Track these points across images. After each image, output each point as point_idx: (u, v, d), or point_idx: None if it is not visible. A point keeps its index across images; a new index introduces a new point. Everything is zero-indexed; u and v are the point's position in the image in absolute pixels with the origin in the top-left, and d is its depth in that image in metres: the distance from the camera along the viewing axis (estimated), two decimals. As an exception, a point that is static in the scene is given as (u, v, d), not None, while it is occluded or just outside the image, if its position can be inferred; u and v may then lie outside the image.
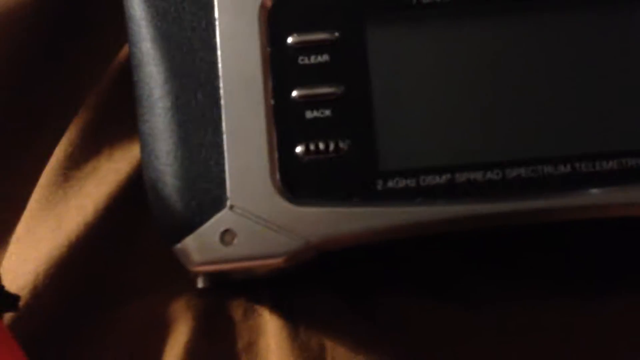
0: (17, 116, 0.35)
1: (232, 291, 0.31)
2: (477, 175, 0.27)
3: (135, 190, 0.32)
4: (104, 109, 0.34)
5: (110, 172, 0.33)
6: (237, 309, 0.31)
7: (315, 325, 0.30)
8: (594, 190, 0.27)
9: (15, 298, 0.28)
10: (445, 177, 0.27)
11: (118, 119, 0.34)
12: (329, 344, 0.30)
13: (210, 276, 0.28)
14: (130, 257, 0.32)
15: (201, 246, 0.27)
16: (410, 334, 0.30)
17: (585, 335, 0.30)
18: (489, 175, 0.27)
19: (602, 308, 0.30)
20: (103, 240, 0.32)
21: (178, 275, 0.30)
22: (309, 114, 0.28)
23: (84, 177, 0.33)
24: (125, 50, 0.34)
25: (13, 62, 0.35)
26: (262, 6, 0.28)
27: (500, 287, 0.31)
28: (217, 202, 0.27)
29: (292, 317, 0.30)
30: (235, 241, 0.27)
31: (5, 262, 0.32)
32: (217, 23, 0.28)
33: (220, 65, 0.28)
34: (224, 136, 0.27)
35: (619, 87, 0.28)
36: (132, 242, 0.33)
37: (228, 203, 0.27)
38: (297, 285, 0.31)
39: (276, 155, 0.27)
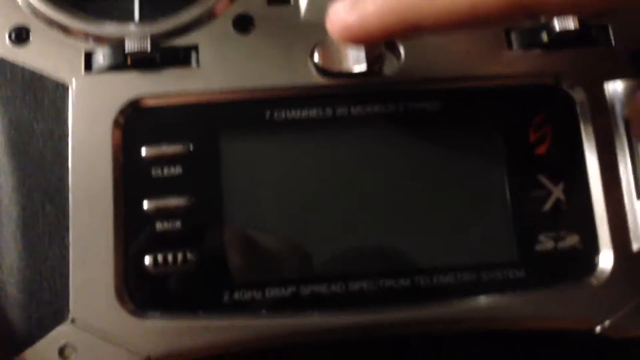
0: None
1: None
2: (322, 288, 0.28)
3: None
4: None
5: None
6: None
7: None
8: (433, 304, 0.28)
9: None
10: (290, 290, 0.28)
11: None
12: None
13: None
14: None
15: (38, 360, 0.27)
16: None
17: None
18: (333, 288, 0.28)
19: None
20: None
21: None
22: (159, 226, 0.28)
23: None
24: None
25: None
26: (116, 120, 0.29)
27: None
28: (58, 315, 0.27)
29: None
30: (74, 355, 0.27)
31: None
32: (70, 135, 0.28)
33: (70, 176, 0.28)
34: (70, 248, 0.27)
35: (457, 204, 0.29)
36: None
37: (70, 316, 0.27)
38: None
39: (122, 267, 0.27)
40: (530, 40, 0.31)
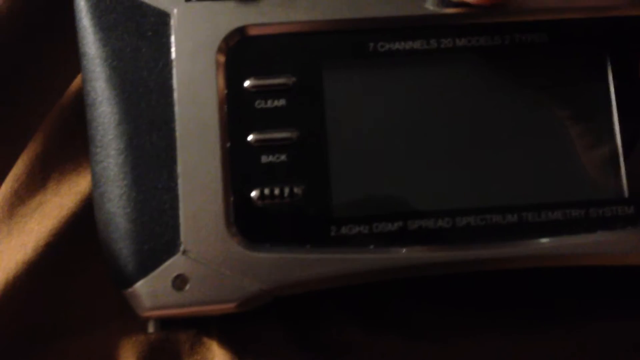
0: None
1: (180, 324, 0.31)
2: (429, 223, 0.28)
3: (78, 225, 0.31)
4: (52, 142, 0.34)
5: (55, 207, 0.33)
6: (184, 344, 0.31)
7: (263, 357, 0.30)
8: (540, 240, 0.28)
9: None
10: (397, 225, 0.28)
11: (66, 152, 0.33)
12: None
13: (161, 320, 0.28)
14: (71, 293, 0.32)
15: (152, 291, 0.27)
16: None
17: None
18: (440, 223, 0.28)
19: (540, 338, 0.31)
20: (42, 277, 0.31)
21: (121, 311, 0.30)
22: (264, 159, 0.28)
23: (29, 214, 0.33)
24: (76, 83, 0.33)
25: None
26: (220, 49, 0.28)
27: (443, 318, 0.31)
28: (170, 246, 0.27)
29: (240, 349, 0.30)
30: (188, 286, 0.27)
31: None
32: (174, 64, 0.28)
33: (176, 107, 0.27)
34: (179, 179, 0.27)
35: (565, 140, 0.29)
36: (73, 278, 0.32)
37: (181, 248, 0.27)
38: (245, 317, 0.30)
39: (231, 199, 0.27)
40: (641, -30, 0.30)
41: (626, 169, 0.28)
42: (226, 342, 0.30)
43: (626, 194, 0.28)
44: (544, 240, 0.28)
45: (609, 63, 0.29)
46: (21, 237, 0.32)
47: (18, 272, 0.31)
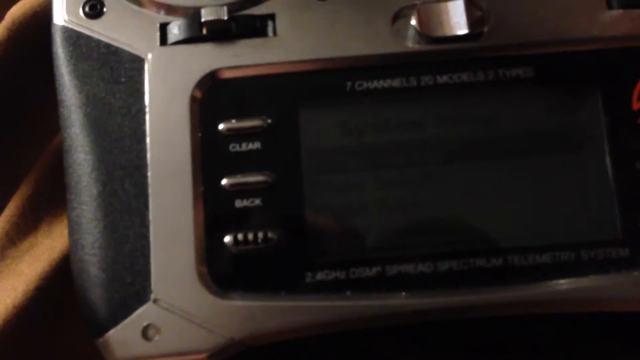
0: None
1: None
2: (408, 268, 0.27)
3: (69, 268, 0.31)
4: (44, 183, 0.34)
5: (46, 249, 0.33)
6: None
7: None
8: (528, 285, 0.26)
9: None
10: (375, 270, 0.27)
11: (58, 194, 0.34)
12: None
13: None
14: (62, 339, 0.32)
15: (123, 341, 0.26)
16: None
17: None
18: (420, 267, 0.27)
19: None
20: (32, 322, 0.31)
21: None
22: (238, 203, 0.27)
23: (19, 256, 0.33)
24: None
25: None
26: (194, 93, 0.28)
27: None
28: (141, 295, 0.26)
29: None
30: (158, 336, 0.26)
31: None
32: (147, 110, 0.28)
33: (149, 152, 0.27)
34: (150, 226, 0.27)
35: (553, 181, 0.27)
36: (64, 323, 0.32)
37: (152, 296, 0.26)
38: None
39: (203, 246, 0.27)
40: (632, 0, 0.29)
41: (620, 208, 0.27)
42: None
43: (620, 234, 0.27)
44: (532, 285, 0.26)
45: (599, 97, 0.28)
46: (11, 280, 0.32)
47: (8, 316, 0.31)
